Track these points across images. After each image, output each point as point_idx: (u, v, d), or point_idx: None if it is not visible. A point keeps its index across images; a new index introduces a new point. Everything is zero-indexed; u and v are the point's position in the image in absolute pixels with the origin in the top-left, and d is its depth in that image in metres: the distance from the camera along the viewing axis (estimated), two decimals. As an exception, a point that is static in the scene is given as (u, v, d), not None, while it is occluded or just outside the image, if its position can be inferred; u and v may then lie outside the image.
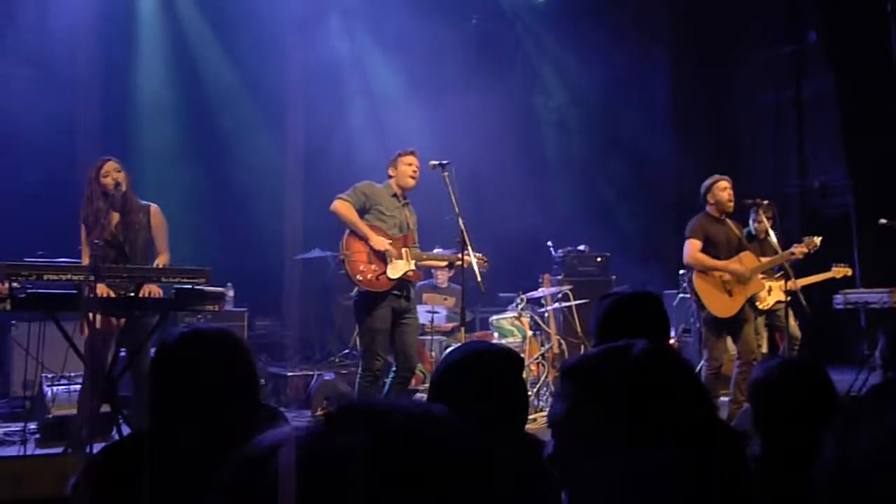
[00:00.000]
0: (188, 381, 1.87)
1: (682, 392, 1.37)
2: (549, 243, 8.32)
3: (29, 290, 4.13)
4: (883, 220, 6.73)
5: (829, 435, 0.83)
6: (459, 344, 2.82)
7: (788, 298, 6.09)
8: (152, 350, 4.72)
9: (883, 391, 1.91)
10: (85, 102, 8.02)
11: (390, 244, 5.37)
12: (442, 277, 7.54)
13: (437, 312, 7.01)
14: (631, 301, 2.28)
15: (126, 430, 4.08)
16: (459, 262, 5.40)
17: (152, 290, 4.75)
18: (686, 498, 1.21)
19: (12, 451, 4.68)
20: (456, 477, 0.69)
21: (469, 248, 5.34)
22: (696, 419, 1.37)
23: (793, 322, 6.56)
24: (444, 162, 5.47)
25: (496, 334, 7.00)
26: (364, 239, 5.33)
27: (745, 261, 5.97)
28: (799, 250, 6.22)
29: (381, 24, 9.57)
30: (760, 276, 6.12)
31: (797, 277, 6.21)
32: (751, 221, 6.72)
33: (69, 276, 4.23)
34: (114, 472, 1.82)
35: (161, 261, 5.03)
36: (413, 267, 5.45)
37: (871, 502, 0.55)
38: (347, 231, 5.40)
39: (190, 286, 4.41)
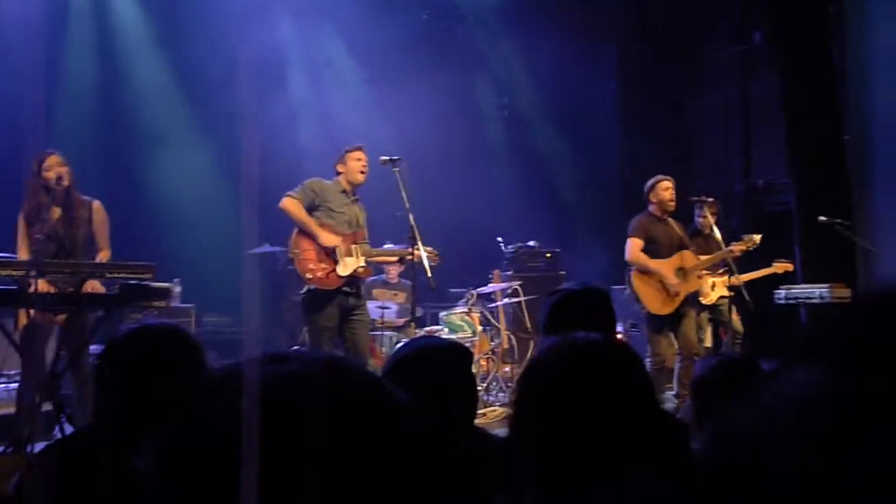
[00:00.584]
0: (136, 379, 1.83)
1: (628, 382, 1.40)
2: (499, 239, 8.37)
3: (-35, 287, 4.02)
4: (822, 218, 6.93)
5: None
6: (409, 339, 2.83)
7: (731, 294, 6.24)
8: (93, 347, 4.66)
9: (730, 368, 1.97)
10: (24, 96, 7.80)
11: (340, 241, 5.35)
12: (393, 273, 7.53)
13: (387, 308, 7.00)
14: (577, 296, 2.31)
15: (69, 429, 3.99)
16: (410, 257, 5.41)
17: (94, 286, 4.65)
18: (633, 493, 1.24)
19: (-52, 451, 4.52)
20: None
21: (419, 243, 5.35)
22: (641, 407, 1.40)
23: (735, 317, 6.72)
24: (395, 158, 5.47)
25: (446, 330, 7.02)
26: (313, 237, 5.30)
27: (685, 259, 6.12)
28: (738, 248, 6.41)
29: (330, 19, 9.50)
30: (703, 271, 6.26)
31: (741, 273, 6.37)
32: (696, 217, 6.86)
33: (9, 272, 4.12)
34: (58, 470, 1.78)
35: (102, 257, 4.94)
36: (363, 263, 5.44)
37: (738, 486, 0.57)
38: (296, 229, 5.36)
39: (135, 282, 4.33)
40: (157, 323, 2.04)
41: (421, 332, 6.74)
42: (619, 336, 7.51)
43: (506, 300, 7.20)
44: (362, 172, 5.50)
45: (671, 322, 6.07)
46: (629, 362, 1.42)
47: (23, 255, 4.73)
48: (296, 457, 0.66)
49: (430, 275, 5.30)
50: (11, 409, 4.82)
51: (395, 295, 7.41)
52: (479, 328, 7.02)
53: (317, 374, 0.71)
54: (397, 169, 5.44)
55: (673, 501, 1.40)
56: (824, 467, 0.53)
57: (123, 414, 1.84)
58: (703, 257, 6.24)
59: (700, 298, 6.40)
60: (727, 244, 6.32)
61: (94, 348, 4.69)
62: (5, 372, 5.20)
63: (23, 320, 4.55)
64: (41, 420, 4.27)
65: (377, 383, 0.75)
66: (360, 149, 5.58)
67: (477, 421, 5.35)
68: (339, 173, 5.56)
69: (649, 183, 6.29)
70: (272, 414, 0.67)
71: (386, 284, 7.53)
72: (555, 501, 1.31)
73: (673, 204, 6.19)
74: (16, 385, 4.87)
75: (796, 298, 7.10)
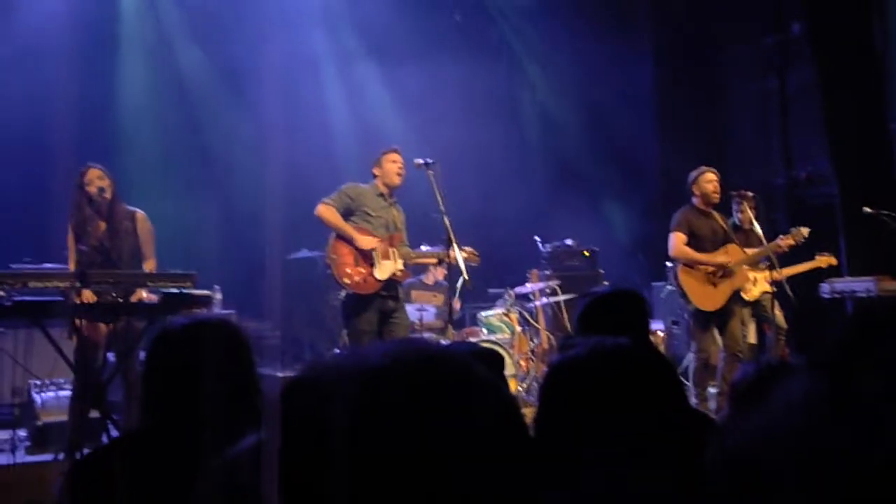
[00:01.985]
0: (186, 368, 1.82)
1: (655, 388, 1.39)
2: (537, 238, 8.34)
3: (15, 299, 4.13)
4: (867, 209, 6.77)
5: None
6: (447, 342, 2.83)
7: (774, 289, 6.12)
8: (142, 355, 4.76)
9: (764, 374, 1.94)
10: (67, 105, 7.99)
11: (377, 242, 5.38)
12: (439, 275, 7.49)
13: (426, 310, 7.03)
14: (610, 299, 2.30)
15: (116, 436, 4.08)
16: (448, 259, 5.42)
17: (141, 295, 4.76)
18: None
19: (2, 458, 4.67)
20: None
21: (455, 245, 5.35)
22: (667, 413, 1.39)
23: (778, 312, 6.60)
24: (429, 160, 5.48)
25: (485, 330, 7.02)
26: (350, 241, 5.34)
27: (731, 253, 6.01)
28: (785, 242, 6.24)
29: (363, 23, 9.56)
30: (746, 267, 6.15)
31: (783, 267, 6.25)
32: (734, 213, 6.76)
33: (55, 283, 4.23)
34: (96, 477, 1.82)
35: (148, 267, 5.05)
36: (401, 267, 5.46)
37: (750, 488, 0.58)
38: (333, 234, 5.40)
39: (177, 290, 4.42)
40: (207, 316, 2.04)
41: (460, 334, 6.75)
42: (659, 334, 7.45)
43: (544, 300, 7.18)
44: (399, 174, 5.52)
45: (717, 318, 5.98)
46: (658, 367, 1.41)
47: (72, 267, 4.86)
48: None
49: (466, 276, 5.30)
50: (62, 418, 4.94)
51: (435, 296, 7.43)
52: (518, 328, 7.00)
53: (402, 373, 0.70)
54: (431, 171, 5.45)
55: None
56: (814, 469, 0.53)
57: (170, 413, 1.83)
58: (749, 251, 6.11)
59: (742, 294, 6.30)
60: (769, 239, 6.21)
61: (142, 356, 4.79)
62: (55, 380, 5.33)
63: (73, 330, 4.66)
64: (89, 427, 4.37)
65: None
66: (395, 151, 5.61)
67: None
68: (375, 176, 5.59)
69: (692, 175, 6.18)
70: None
71: (424, 286, 7.55)
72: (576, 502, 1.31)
73: (717, 196, 6.08)
74: (65, 393, 4.99)
75: (842, 292, 6.95)
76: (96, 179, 4.94)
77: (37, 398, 5.35)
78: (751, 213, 6.38)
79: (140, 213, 5.16)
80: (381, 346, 0.74)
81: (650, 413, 1.30)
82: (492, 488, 0.66)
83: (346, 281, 5.30)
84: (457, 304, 7.10)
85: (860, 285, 6.84)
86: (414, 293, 7.33)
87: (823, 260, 6.84)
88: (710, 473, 0.62)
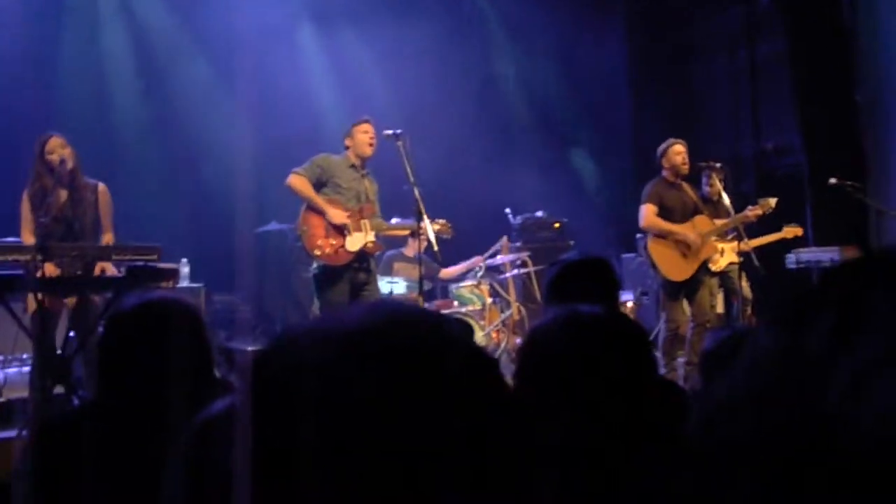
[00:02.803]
0: (138, 350, 1.83)
1: (630, 354, 1.38)
2: (507, 210, 8.33)
3: (-27, 272, 4.03)
4: (833, 180, 6.85)
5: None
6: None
7: (741, 259, 6.18)
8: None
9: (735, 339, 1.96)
10: (28, 77, 7.80)
11: (348, 217, 5.33)
12: (414, 247, 7.47)
13: (395, 283, 7.00)
14: (578, 266, 2.29)
15: (81, 411, 4.02)
16: (419, 231, 5.39)
17: (106, 268, 4.67)
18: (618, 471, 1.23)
19: (-37, 435, 4.58)
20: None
21: (426, 217, 5.32)
22: (644, 380, 1.39)
23: (745, 283, 6.67)
24: (398, 131, 5.42)
25: (456, 302, 7.02)
26: (321, 213, 5.29)
27: (699, 224, 6.05)
28: (753, 213, 6.29)
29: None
30: (714, 238, 6.20)
31: (750, 238, 6.31)
32: (703, 185, 6.80)
33: (16, 257, 4.14)
34: (56, 448, 1.79)
35: (106, 240, 4.94)
36: (372, 238, 5.42)
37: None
38: (304, 206, 5.34)
39: (142, 263, 4.34)
40: (157, 295, 2.03)
41: (431, 307, 6.74)
42: (629, 304, 7.50)
43: (515, 271, 7.19)
44: (370, 145, 5.48)
45: (686, 288, 6.04)
46: (632, 334, 1.40)
47: (27, 238, 4.71)
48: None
49: (436, 248, 5.28)
50: (25, 394, 4.86)
51: (415, 269, 7.38)
52: (489, 300, 7.01)
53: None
54: (400, 142, 5.40)
55: (670, 475, 1.39)
56: (774, 429, 0.53)
57: (123, 387, 1.84)
58: (717, 221, 6.16)
59: (710, 265, 6.36)
60: (738, 210, 6.26)
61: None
62: (18, 356, 5.23)
63: (32, 304, 4.56)
64: (54, 402, 4.30)
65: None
66: (367, 121, 5.55)
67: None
68: (346, 147, 5.53)
69: (661, 147, 6.21)
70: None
71: (406, 258, 7.50)
72: (556, 473, 1.30)
73: (686, 168, 6.12)
74: (28, 368, 4.90)
75: (807, 262, 7.04)
76: (58, 148, 4.80)
77: (-1, 374, 5.26)
78: (719, 185, 6.42)
79: (101, 184, 5.05)
80: (355, 310, 0.72)
81: (623, 381, 1.29)
82: (471, 444, 0.64)
83: (318, 253, 5.26)
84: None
85: (825, 255, 6.93)
86: (396, 265, 7.28)
87: (790, 231, 6.92)
88: (689, 444, 0.61)
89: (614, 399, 1.28)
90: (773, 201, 6.41)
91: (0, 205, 5.56)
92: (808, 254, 7.06)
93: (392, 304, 0.76)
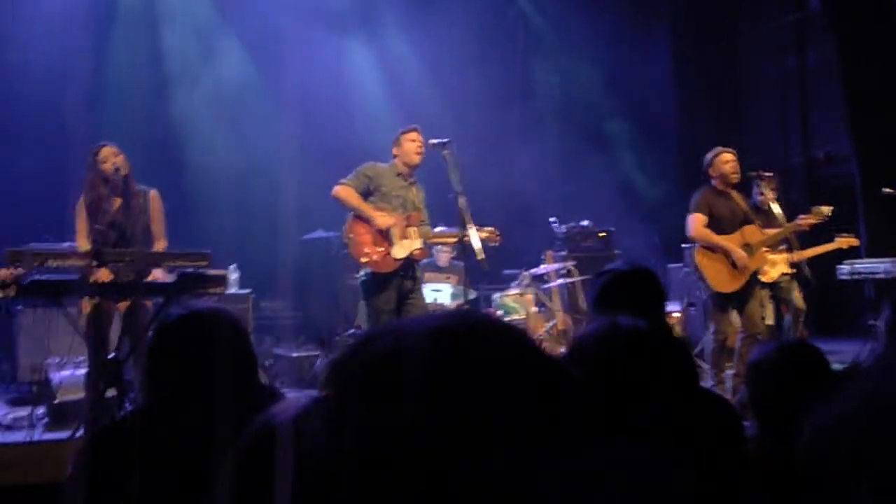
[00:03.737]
0: (183, 361, 1.89)
1: (671, 368, 1.37)
2: (552, 219, 8.30)
3: (33, 277, 4.15)
4: (887, 189, 6.68)
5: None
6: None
7: (793, 271, 6.05)
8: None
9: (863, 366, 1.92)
10: (81, 88, 8.01)
11: (394, 221, 5.35)
12: (444, 258, 7.52)
13: (440, 291, 7.02)
14: (624, 276, 2.27)
15: (132, 414, 4.10)
16: (465, 239, 5.38)
17: (155, 274, 4.77)
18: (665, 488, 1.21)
19: (20, 436, 4.71)
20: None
21: (471, 225, 5.31)
22: (680, 397, 1.37)
23: (797, 294, 6.54)
24: (445, 140, 5.42)
25: (500, 312, 7.00)
26: (368, 220, 5.32)
27: (749, 234, 5.92)
28: (806, 221, 6.12)
29: (379, 3, 9.50)
30: (764, 249, 6.05)
31: (802, 249, 6.18)
32: (754, 194, 6.67)
33: (72, 262, 4.25)
34: (108, 453, 1.84)
35: (159, 246, 5.04)
36: (419, 245, 5.43)
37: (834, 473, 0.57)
38: (351, 214, 5.38)
39: (192, 269, 4.43)
40: (203, 306, 2.09)
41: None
42: (675, 315, 7.41)
43: (560, 281, 7.15)
44: (418, 153, 5.47)
45: (736, 300, 5.91)
46: (673, 348, 1.39)
47: (83, 245, 4.85)
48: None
49: (481, 256, 5.27)
50: (79, 395, 4.98)
51: (448, 278, 7.41)
52: (534, 309, 6.98)
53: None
54: (447, 151, 5.40)
55: (718, 485, 1.37)
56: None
57: (170, 395, 1.89)
58: (768, 231, 6.00)
59: (759, 276, 6.23)
60: (789, 220, 6.12)
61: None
62: (73, 359, 5.36)
63: (87, 308, 4.68)
64: (106, 405, 4.40)
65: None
66: (414, 130, 5.55)
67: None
68: (394, 156, 5.55)
69: (709, 156, 6.06)
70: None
71: (438, 269, 7.54)
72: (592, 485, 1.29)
73: (736, 177, 5.96)
74: (83, 371, 5.02)
75: (860, 273, 6.88)
76: (111, 157, 4.92)
77: (54, 376, 5.39)
78: (770, 194, 6.29)
79: (153, 191, 5.15)
80: (425, 318, 0.76)
81: (665, 394, 1.28)
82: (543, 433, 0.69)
83: (365, 260, 5.28)
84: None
85: (880, 266, 6.77)
86: (427, 275, 7.31)
87: (844, 241, 6.75)
88: (804, 456, 0.62)
89: (656, 412, 1.27)
90: (827, 210, 6.22)
91: (55, 210, 5.72)
92: (861, 265, 6.90)
93: (460, 312, 0.80)
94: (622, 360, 1.34)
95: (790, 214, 6.26)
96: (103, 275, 4.39)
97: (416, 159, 5.47)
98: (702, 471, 1.34)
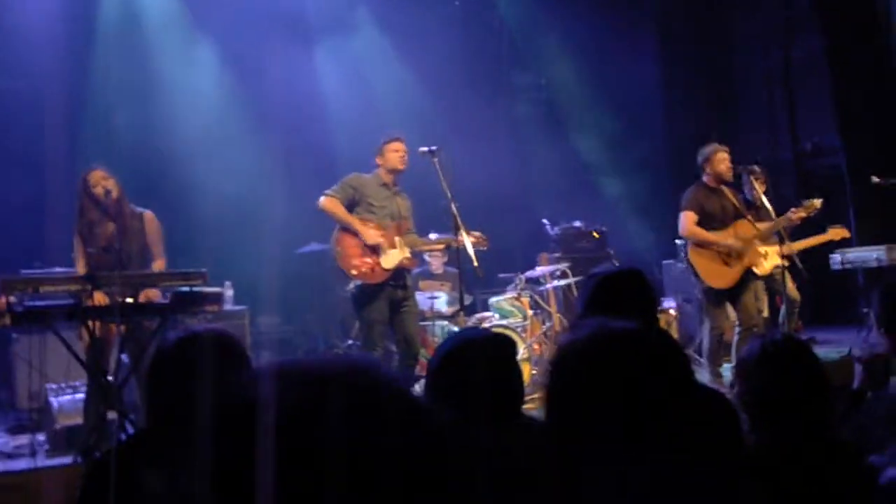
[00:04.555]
0: (181, 382, 1.89)
1: (664, 369, 1.38)
2: (545, 221, 8.32)
3: (27, 304, 4.15)
4: (875, 179, 6.72)
5: None
6: (458, 329, 2.84)
7: (786, 263, 6.07)
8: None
9: None
10: (69, 112, 8.02)
11: (382, 236, 5.36)
12: (436, 264, 7.54)
13: (436, 297, 7.03)
14: (614, 279, 2.29)
15: (133, 436, 4.10)
16: (456, 245, 5.41)
17: (150, 294, 4.77)
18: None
19: (22, 463, 4.70)
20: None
21: (463, 231, 5.34)
22: (678, 394, 1.38)
23: (791, 285, 6.56)
24: (433, 148, 5.46)
25: (496, 315, 7.02)
26: (356, 234, 5.33)
27: (741, 229, 5.95)
28: (797, 215, 6.13)
29: (360, 10, 9.52)
30: (756, 242, 6.06)
31: (794, 241, 6.20)
32: (745, 188, 6.70)
33: (66, 287, 4.25)
34: (107, 476, 1.85)
35: (158, 266, 5.05)
36: (408, 255, 5.45)
37: None
38: (337, 227, 5.39)
39: (187, 289, 4.44)
40: (202, 328, 2.10)
41: (471, 320, 6.75)
42: (671, 312, 7.43)
43: (555, 282, 7.17)
44: (402, 162, 5.50)
45: (730, 294, 5.94)
46: (665, 348, 1.40)
47: (81, 270, 4.87)
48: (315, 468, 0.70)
49: (476, 262, 5.29)
50: (79, 420, 4.98)
51: (442, 285, 7.43)
52: (530, 312, 7.00)
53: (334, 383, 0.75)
54: (436, 158, 5.43)
55: (719, 485, 1.39)
56: None
57: (170, 417, 1.90)
58: (760, 225, 6.01)
59: (755, 269, 6.25)
60: (779, 213, 6.14)
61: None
62: (71, 384, 5.36)
63: (85, 334, 4.69)
64: (107, 429, 4.40)
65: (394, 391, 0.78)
66: (397, 139, 5.57)
67: (532, 405, 5.33)
68: (378, 166, 5.57)
69: (704, 152, 6.04)
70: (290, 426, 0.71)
71: (432, 276, 7.55)
72: (589, 486, 1.31)
73: (730, 175, 5.97)
74: (82, 395, 5.02)
75: (852, 263, 6.92)
76: (101, 180, 4.93)
77: (54, 402, 5.38)
78: (760, 188, 6.32)
79: (148, 212, 5.16)
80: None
81: (657, 395, 1.29)
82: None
83: (354, 272, 5.30)
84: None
85: (871, 255, 6.81)
86: (422, 283, 7.33)
87: (836, 232, 6.77)
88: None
89: (648, 413, 1.28)
90: (818, 202, 6.23)
91: (44, 237, 5.74)
92: (853, 254, 6.94)
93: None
94: (614, 362, 1.34)
95: (781, 208, 6.28)
96: (98, 298, 4.40)
97: (401, 167, 5.50)
98: (700, 467, 1.35)
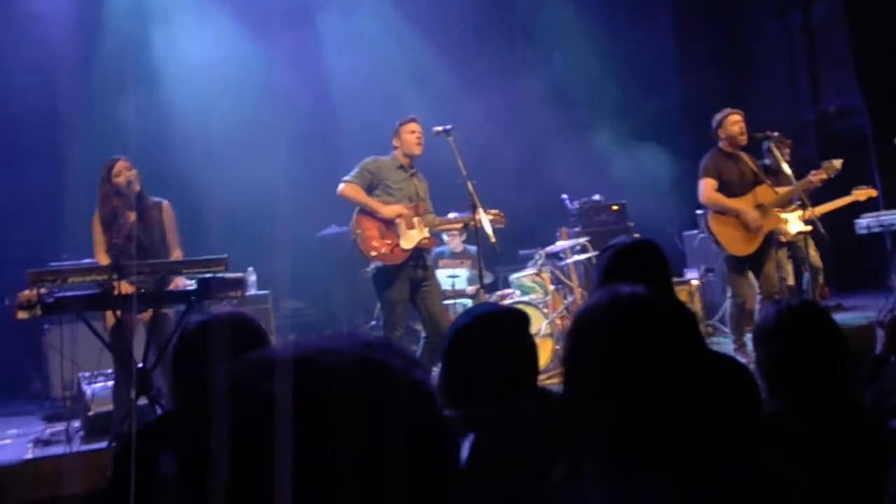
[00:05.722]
0: (205, 364, 1.94)
1: (674, 335, 1.39)
2: (564, 196, 8.29)
3: (56, 295, 4.25)
4: (899, 140, 6.61)
5: None
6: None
7: (809, 228, 6.00)
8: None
9: None
10: (85, 104, 8.10)
11: (401, 209, 5.39)
12: (455, 242, 7.55)
13: (457, 276, 7.06)
14: (629, 250, 2.30)
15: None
16: (474, 223, 5.42)
17: (177, 282, 4.86)
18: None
19: (58, 449, 4.82)
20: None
21: (480, 209, 5.35)
22: (691, 361, 1.39)
23: (813, 252, 6.50)
24: (448, 127, 5.46)
25: (518, 292, 7.03)
26: (373, 214, 5.37)
27: (761, 194, 5.88)
28: (817, 177, 6.05)
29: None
30: (777, 208, 5.99)
31: (818, 204, 6.11)
32: (764, 154, 6.62)
33: (94, 277, 4.34)
34: (138, 458, 1.90)
35: (175, 255, 5.13)
36: (427, 234, 5.48)
37: None
38: (356, 210, 5.43)
39: (210, 275, 4.51)
40: (222, 312, 2.15)
41: (493, 297, 6.78)
42: (693, 283, 7.40)
43: (575, 257, 7.16)
44: (418, 144, 5.51)
45: (752, 262, 5.89)
46: (675, 314, 1.41)
47: (101, 259, 4.96)
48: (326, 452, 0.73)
49: (493, 240, 5.30)
50: (111, 406, 5.09)
51: (462, 263, 7.44)
52: (551, 287, 7.00)
53: (345, 371, 0.78)
54: (451, 137, 5.44)
55: (741, 452, 1.40)
56: None
57: (194, 399, 1.95)
58: (780, 190, 5.93)
59: (779, 236, 6.18)
60: (800, 177, 6.06)
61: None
62: (103, 371, 5.46)
63: (111, 321, 4.78)
64: (139, 413, 4.49)
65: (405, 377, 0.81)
66: (413, 120, 5.58)
67: (552, 379, 5.35)
68: (395, 148, 5.59)
69: (717, 118, 5.99)
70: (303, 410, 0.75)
71: (452, 255, 7.57)
72: (610, 457, 1.32)
73: (744, 138, 5.90)
74: (112, 383, 5.13)
75: (880, 226, 6.83)
76: (124, 171, 5.01)
77: (87, 390, 5.50)
78: (779, 154, 6.23)
79: (165, 202, 5.25)
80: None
81: (667, 360, 1.31)
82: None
83: (374, 254, 5.34)
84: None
85: (897, 217, 6.71)
86: (442, 262, 7.35)
87: (862, 193, 6.68)
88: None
89: (660, 379, 1.29)
90: (837, 163, 6.12)
91: (71, 230, 5.82)
92: (881, 217, 6.84)
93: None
94: (625, 327, 1.35)
95: (803, 171, 6.19)
96: (125, 287, 4.48)
97: (417, 150, 5.51)
98: (717, 436, 1.36)
